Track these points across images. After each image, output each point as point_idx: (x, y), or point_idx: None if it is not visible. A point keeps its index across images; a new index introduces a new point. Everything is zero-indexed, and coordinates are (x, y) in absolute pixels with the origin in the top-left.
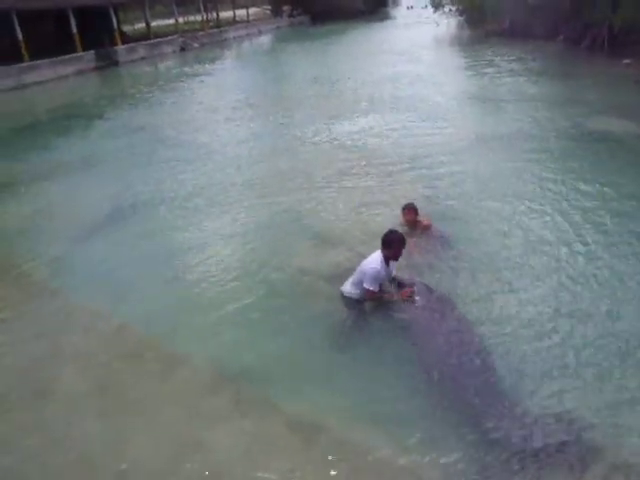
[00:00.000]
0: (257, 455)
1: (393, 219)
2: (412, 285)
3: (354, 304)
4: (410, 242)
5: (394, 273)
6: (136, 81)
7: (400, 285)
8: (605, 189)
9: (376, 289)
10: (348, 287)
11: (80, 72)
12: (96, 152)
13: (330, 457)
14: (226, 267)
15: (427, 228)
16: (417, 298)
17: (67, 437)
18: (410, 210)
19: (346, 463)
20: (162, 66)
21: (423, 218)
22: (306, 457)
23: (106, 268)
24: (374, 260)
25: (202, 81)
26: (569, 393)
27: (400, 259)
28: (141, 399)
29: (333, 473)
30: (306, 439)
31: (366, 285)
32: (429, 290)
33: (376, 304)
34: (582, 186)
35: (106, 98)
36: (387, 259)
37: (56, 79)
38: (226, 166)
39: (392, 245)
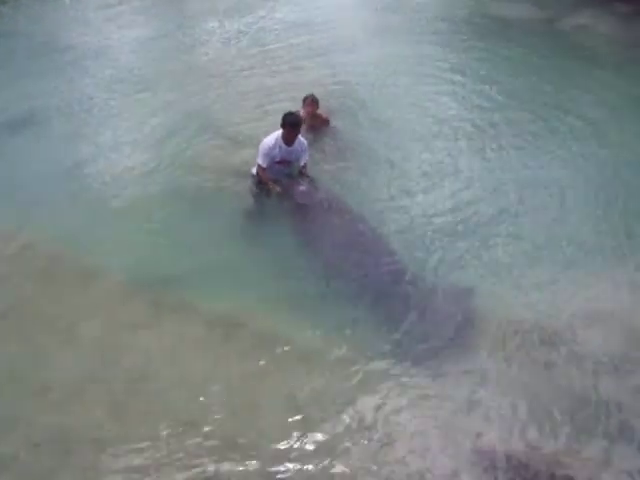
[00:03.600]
0: (180, 355)
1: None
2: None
3: (260, 187)
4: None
5: (303, 163)
6: None
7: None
8: (504, 70)
9: (264, 164)
10: (255, 168)
11: None
12: None
13: (251, 349)
14: (132, 173)
15: (325, 122)
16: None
17: None
18: (311, 102)
19: (266, 353)
20: None
21: (322, 112)
22: (228, 351)
23: (6, 184)
24: (270, 136)
25: None
26: (465, 270)
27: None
28: (59, 315)
29: (255, 363)
30: (226, 335)
31: (257, 159)
32: (317, 188)
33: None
34: (482, 69)
35: None
36: (286, 141)
37: None
38: (124, 68)
39: (284, 126)
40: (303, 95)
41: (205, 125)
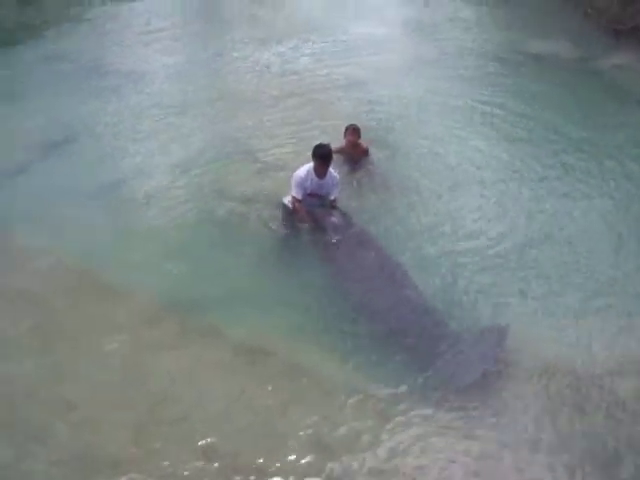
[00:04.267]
0: (205, 380)
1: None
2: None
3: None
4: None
5: (333, 197)
6: (57, 4)
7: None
8: (535, 106)
9: (298, 195)
10: (287, 197)
11: None
12: (18, 83)
13: (276, 378)
14: (164, 196)
15: (365, 153)
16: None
17: (11, 375)
18: (352, 131)
19: (291, 383)
20: None
21: (363, 142)
22: (253, 379)
23: (39, 203)
24: (302, 168)
25: (130, 3)
26: (497, 308)
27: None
28: (84, 333)
29: (279, 393)
30: (252, 362)
31: (290, 191)
32: (349, 223)
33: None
34: (517, 107)
35: (25, 23)
36: (317, 173)
37: None
38: (160, 93)
39: (314, 158)
40: (336, 125)
41: (237, 151)
